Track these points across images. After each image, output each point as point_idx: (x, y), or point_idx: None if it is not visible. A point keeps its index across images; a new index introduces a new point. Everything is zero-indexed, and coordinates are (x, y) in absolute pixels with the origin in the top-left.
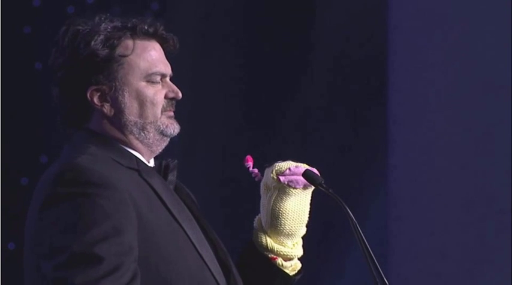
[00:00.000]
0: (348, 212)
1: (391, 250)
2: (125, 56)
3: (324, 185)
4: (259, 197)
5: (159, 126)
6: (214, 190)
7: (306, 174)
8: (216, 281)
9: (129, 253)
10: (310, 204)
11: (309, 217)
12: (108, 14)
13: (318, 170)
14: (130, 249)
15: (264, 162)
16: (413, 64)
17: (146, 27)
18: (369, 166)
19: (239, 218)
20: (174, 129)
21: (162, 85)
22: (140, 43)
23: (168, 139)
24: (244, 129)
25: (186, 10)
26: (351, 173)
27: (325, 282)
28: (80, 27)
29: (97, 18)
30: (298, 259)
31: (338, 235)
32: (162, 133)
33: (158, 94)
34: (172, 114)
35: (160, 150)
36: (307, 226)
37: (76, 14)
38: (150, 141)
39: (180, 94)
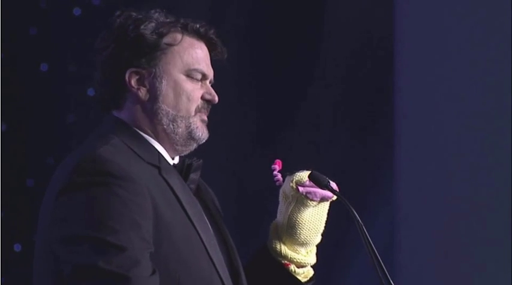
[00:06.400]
0: (354, 214)
1: (398, 252)
2: (171, 45)
3: (330, 187)
4: (273, 202)
5: (190, 123)
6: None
7: (312, 175)
8: None
9: (148, 247)
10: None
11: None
12: (164, 10)
13: (326, 174)
14: (149, 243)
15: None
16: (419, 70)
17: (198, 27)
18: (376, 168)
19: (252, 222)
20: (203, 133)
21: (201, 86)
22: (189, 39)
23: (195, 145)
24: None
25: (192, 14)
26: (358, 176)
27: (331, 282)
28: (134, 13)
29: (152, 11)
30: (311, 266)
31: (345, 236)
32: (191, 134)
33: (196, 91)
34: (205, 117)
35: (185, 153)
36: (322, 235)
37: (82, 15)
38: (178, 137)
39: (217, 99)
